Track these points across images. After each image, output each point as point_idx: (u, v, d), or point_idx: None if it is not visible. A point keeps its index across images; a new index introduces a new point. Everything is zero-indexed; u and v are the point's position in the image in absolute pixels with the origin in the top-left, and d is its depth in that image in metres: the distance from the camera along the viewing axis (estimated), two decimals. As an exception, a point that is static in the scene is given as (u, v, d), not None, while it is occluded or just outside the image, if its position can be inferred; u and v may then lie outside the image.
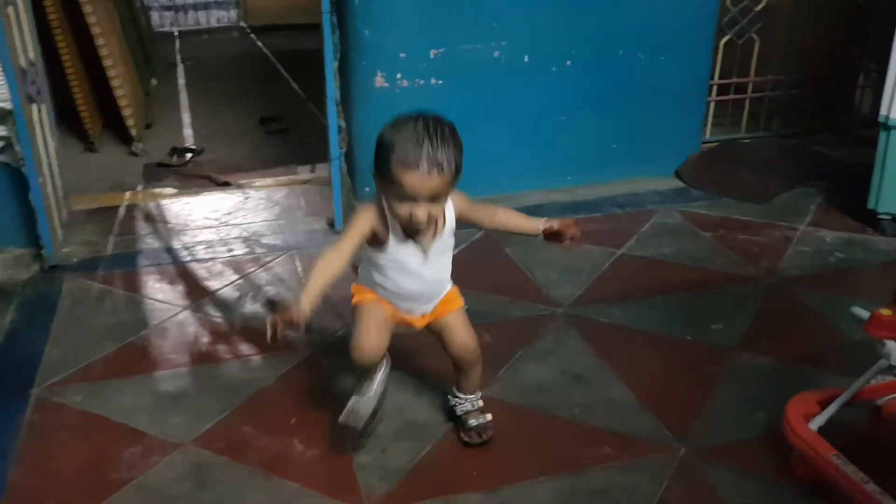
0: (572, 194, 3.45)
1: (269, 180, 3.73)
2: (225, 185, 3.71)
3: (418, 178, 1.66)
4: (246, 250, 3.02)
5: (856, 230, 3.12)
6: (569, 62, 3.34)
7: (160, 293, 2.72)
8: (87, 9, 4.00)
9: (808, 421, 1.81)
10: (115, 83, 4.14)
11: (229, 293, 2.71)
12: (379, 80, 3.15)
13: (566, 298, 2.65)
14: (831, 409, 1.81)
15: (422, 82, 3.20)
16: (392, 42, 3.12)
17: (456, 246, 1.93)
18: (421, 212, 1.70)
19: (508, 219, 1.97)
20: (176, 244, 3.08)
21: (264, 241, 3.09)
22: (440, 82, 3.22)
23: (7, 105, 2.68)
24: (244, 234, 3.16)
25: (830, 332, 2.47)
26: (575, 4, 3.28)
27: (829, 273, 2.84)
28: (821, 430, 1.80)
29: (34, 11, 3.18)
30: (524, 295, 2.67)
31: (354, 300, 1.93)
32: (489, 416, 2.02)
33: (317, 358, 2.33)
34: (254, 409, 2.13)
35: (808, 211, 3.30)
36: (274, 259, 2.94)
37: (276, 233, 3.16)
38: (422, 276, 1.87)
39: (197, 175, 3.89)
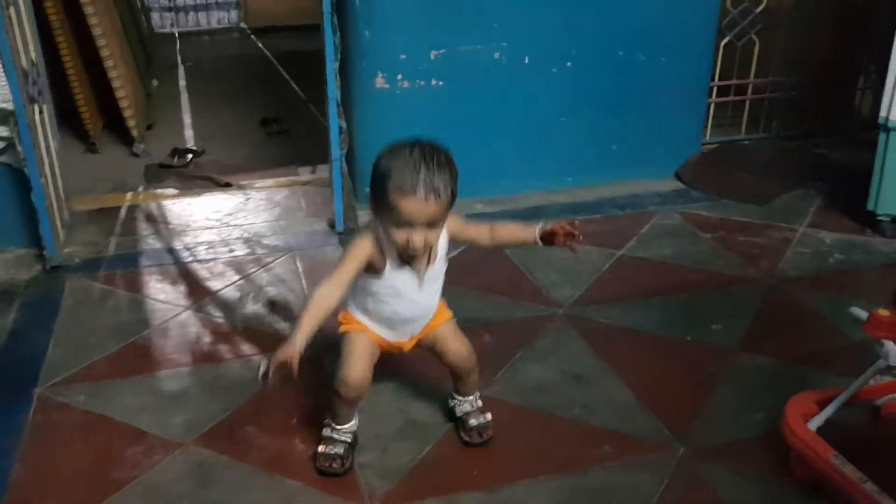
0: (572, 195, 3.46)
1: (269, 181, 3.73)
2: (226, 186, 3.72)
3: (415, 205, 1.66)
4: (247, 251, 3.03)
5: (855, 231, 3.13)
6: (569, 63, 3.35)
7: (162, 293, 2.73)
8: (89, 9, 4.00)
9: (807, 421, 1.82)
10: (116, 84, 4.14)
11: (231, 293, 2.72)
12: (380, 81, 3.16)
13: (566, 299, 2.65)
14: (830, 410, 1.82)
15: (422, 83, 3.20)
16: (393, 43, 3.13)
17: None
18: (418, 237, 1.71)
19: (505, 232, 1.96)
20: (177, 245, 3.08)
21: (265, 241, 3.10)
22: (441, 83, 3.22)
23: (8, 105, 2.69)
24: (245, 234, 3.16)
25: (830, 332, 2.48)
26: (575, 5, 3.28)
27: (829, 274, 2.85)
28: (819, 430, 1.81)
29: (35, 12, 3.18)
30: (524, 295, 2.68)
31: (342, 328, 1.94)
32: (489, 416, 2.03)
33: (318, 357, 2.34)
34: (255, 409, 2.14)
35: (807, 212, 3.30)
36: (275, 260, 2.95)
37: (277, 233, 3.17)
38: (416, 302, 1.88)
39: (198, 176, 3.90)
